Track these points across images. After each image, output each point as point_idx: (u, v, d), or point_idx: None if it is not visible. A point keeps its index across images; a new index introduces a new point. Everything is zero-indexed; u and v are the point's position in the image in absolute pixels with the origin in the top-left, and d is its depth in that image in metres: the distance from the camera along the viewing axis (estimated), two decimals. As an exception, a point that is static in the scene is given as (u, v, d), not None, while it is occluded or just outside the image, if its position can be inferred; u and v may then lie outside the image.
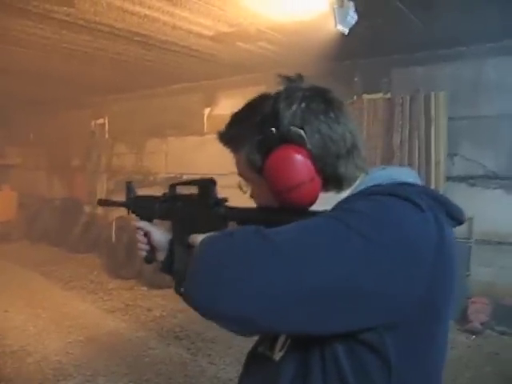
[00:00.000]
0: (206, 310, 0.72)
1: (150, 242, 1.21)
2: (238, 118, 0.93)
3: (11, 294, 5.37)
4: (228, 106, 5.96)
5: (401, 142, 4.42)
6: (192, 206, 1.06)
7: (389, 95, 4.65)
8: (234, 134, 0.92)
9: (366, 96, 4.66)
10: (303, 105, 0.83)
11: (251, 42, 4.09)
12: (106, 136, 8.01)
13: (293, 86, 0.87)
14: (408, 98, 4.39)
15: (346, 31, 3.14)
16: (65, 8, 3.24)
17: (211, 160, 5.64)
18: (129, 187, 1.35)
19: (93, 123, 8.12)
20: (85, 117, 8.18)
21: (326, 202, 0.83)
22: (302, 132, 0.81)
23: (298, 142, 0.81)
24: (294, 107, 0.83)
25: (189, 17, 3.51)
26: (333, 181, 0.85)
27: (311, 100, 0.85)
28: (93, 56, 4.67)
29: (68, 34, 3.87)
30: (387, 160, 4.38)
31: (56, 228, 8.06)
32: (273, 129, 0.83)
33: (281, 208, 0.87)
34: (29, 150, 9.51)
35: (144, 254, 1.22)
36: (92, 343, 4.01)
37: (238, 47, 4.30)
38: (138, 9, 3.36)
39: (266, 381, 0.87)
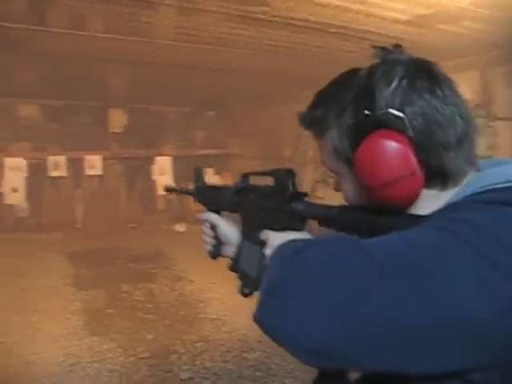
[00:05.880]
0: (287, 341, 0.61)
1: (216, 236, 1.13)
2: (323, 97, 0.81)
3: (218, 270, 6.03)
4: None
5: None
6: (266, 199, 0.96)
7: None
8: (319, 115, 0.79)
9: None
10: (405, 82, 0.70)
11: (454, 22, 3.69)
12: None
13: (391, 59, 0.74)
14: None
15: None
16: (260, 7, 3.45)
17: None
18: (197, 172, 1.23)
19: (301, 115, 8.47)
20: (293, 109, 8.57)
21: (427, 200, 0.70)
22: (402, 115, 0.68)
23: (397, 128, 0.68)
24: (394, 84, 0.70)
25: (380, 2, 3.36)
26: (437, 176, 0.69)
27: (415, 76, 0.70)
28: (294, 50, 4.85)
29: (268, 31, 4.11)
30: None
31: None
32: (366, 111, 0.70)
33: (373, 208, 0.73)
34: (246, 141, 10.46)
35: (209, 248, 1.15)
36: (276, 323, 4.26)
37: (439, 30, 3.93)
38: (328, 0, 3.37)
39: None
